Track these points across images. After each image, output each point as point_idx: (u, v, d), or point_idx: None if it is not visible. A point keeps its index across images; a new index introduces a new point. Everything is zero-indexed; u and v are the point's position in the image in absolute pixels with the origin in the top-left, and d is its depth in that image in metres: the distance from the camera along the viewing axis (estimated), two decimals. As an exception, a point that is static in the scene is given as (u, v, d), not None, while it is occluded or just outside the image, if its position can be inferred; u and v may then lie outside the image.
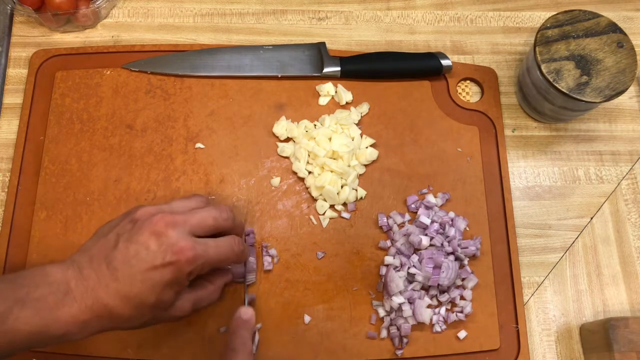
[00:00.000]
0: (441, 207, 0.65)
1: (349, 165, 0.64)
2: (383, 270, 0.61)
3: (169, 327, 0.59)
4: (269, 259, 0.61)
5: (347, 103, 0.69)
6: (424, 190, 0.65)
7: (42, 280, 0.45)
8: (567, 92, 0.62)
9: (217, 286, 0.54)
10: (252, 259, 0.60)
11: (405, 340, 0.59)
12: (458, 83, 0.72)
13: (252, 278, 0.60)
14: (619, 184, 0.69)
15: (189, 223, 0.49)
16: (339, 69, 0.69)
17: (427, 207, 0.64)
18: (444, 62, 0.69)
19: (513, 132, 0.71)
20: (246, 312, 0.53)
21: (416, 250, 0.61)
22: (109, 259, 0.46)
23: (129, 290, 0.46)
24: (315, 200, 0.64)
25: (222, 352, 0.51)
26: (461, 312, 0.60)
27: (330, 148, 0.63)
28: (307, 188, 0.64)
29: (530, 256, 0.65)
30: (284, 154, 0.66)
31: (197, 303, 0.52)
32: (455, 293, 0.60)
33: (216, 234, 0.51)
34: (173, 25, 0.73)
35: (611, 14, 0.68)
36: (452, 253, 0.61)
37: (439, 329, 0.60)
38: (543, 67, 0.63)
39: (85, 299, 0.45)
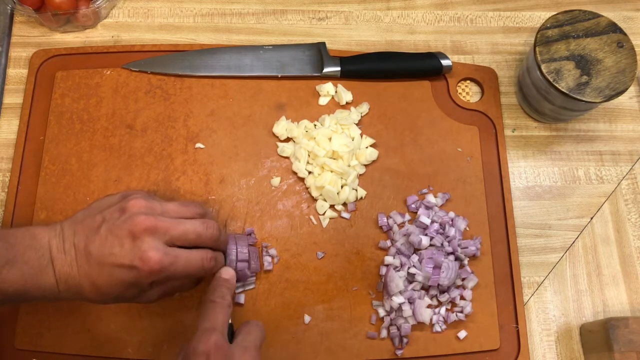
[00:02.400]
0: (441, 207, 0.65)
1: (349, 165, 0.64)
2: (383, 270, 0.61)
3: (169, 327, 0.59)
4: (269, 259, 0.61)
5: (347, 103, 0.69)
6: (424, 190, 0.65)
7: (30, 244, 0.47)
8: (567, 92, 0.62)
9: (190, 279, 0.54)
10: (242, 264, 0.58)
11: (405, 340, 0.59)
12: (458, 83, 0.72)
13: (252, 280, 0.60)
14: (619, 184, 0.69)
15: (169, 233, 0.49)
16: (339, 69, 0.69)
17: (427, 207, 0.64)
18: (444, 62, 0.69)
19: (513, 132, 0.71)
20: (227, 271, 0.54)
21: (416, 250, 0.61)
22: (89, 241, 0.48)
23: (96, 278, 0.47)
24: (315, 200, 0.64)
25: (200, 303, 0.52)
26: (461, 312, 0.60)
27: (330, 148, 0.63)
28: (307, 188, 0.64)
29: (530, 256, 0.65)
30: (284, 154, 0.66)
31: (166, 293, 0.52)
32: (455, 293, 0.60)
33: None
34: (173, 25, 0.73)
35: (611, 14, 0.68)
36: (452, 253, 0.61)
37: (439, 329, 0.60)
38: (543, 67, 0.63)
39: (62, 273, 0.47)
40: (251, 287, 0.60)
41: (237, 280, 0.59)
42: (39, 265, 0.47)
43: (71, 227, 0.49)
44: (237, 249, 0.57)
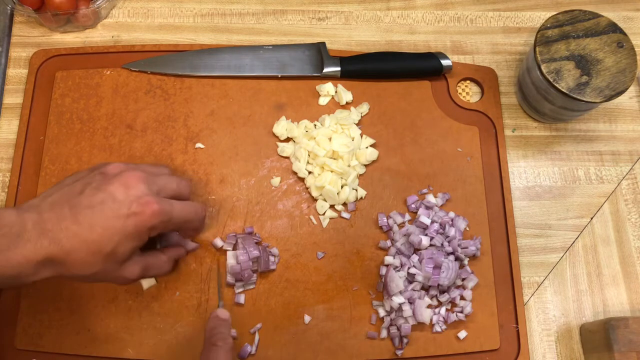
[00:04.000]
0: (441, 207, 0.65)
1: (349, 165, 0.64)
2: (383, 270, 0.61)
3: (169, 327, 0.59)
4: (272, 258, 0.61)
5: (347, 103, 0.69)
6: (424, 190, 0.65)
7: None
8: (567, 92, 0.62)
9: (169, 257, 0.56)
10: (245, 260, 0.59)
11: (405, 340, 0.59)
12: (458, 83, 0.72)
13: (252, 280, 0.60)
14: (619, 184, 0.69)
15: (157, 183, 0.51)
16: (339, 69, 0.69)
17: (427, 207, 0.64)
18: (444, 62, 0.69)
19: (513, 132, 0.71)
20: (223, 312, 0.56)
21: (416, 250, 0.61)
22: (73, 203, 0.47)
23: (88, 234, 0.46)
24: (315, 200, 0.64)
25: (203, 349, 0.52)
26: (461, 312, 0.60)
27: (330, 148, 0.63)
28: (307, 188, 0.64)
29: (530, 256, 0.65)
30: (284, 154, 0.66)
31: (146, 270, 0.53)
32: (455, 293, 0.60)
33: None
34: (173, 25, 0.73)
35: (611, 14, 0.68)
36: (452, 253, 0.61)
37: (439, 329, 0.60)
38: (543, 67, 0.63)
39: (41, 240, 0.45)
40: (251, 287, 0.60)
41: (240, 281, 0.59)
42: (6, 242, 0.44)
43: (45, 201, 0.48)
44: (246, 250, 0.58)
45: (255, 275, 0.60)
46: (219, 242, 0.61)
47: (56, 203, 0.47)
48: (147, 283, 0.59)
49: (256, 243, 0.60)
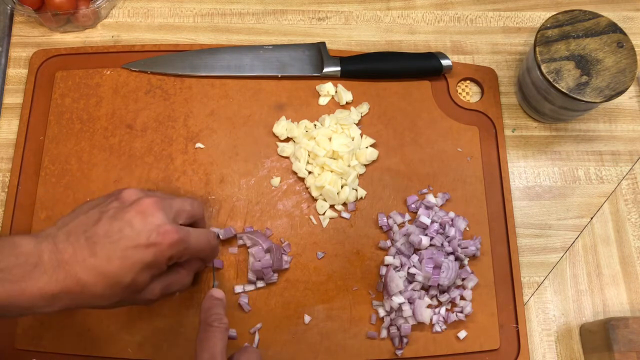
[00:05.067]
0: (441, 207, 0.65)
1: (349, 165, 0.64)
2: (383, 270, 0.61)
3: (169, 327, 0.59)
4: (285, 257, 0.61)
5: (347, 103, 0.69)
6: (424, 190, 0.65)
7: (10, 252, 0.44)
8: (567, 92, 0.62)
9: (189, 271, 0.55)
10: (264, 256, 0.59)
11: (405, 340, 0.59)
12: (458, 83, 0.72)
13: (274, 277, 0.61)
14: (619, 184, 0.69)
15: (173, 208, 0.50)
16: (339, 69, 0.69)
17: (427, 207, 0.64)
18: (444, 62, 0.69)
19: (513, 132, 0.71)
20: (218, 292, 0.54)
21: (416, 250, 0.61)
22: (89, 234, 0.46)
23: (106, 266, 0.45)
24: (315, 200, 0.64)
25: (199, 329, 0.50)
26: (461, 312, 0.60)
27: (330, 148, 0.63)
28: (307, 188, 0.64)
29: (530, 256, 0.65)
30: (284, 154, 0.66)
31: (168, 287, 0.52)
32: (455, 293, 0.60)
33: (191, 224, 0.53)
34: (173, 25, 0.73)
35: (611, 14, 0.68)
36: (452, 253, 0.61)
37: (439, 329, 0.60)
38: (543, 67, 0.63)
39: (57, 272, 0.44)
40: (274, 280, 0.61)
41: (260, 279, 0.60)
42: (21, 272, 0.43)
43: (61, 230, 0.46)
44: (261, 244, 0.59)
45: (273, 274, 0.60)
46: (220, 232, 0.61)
47: (72, 233, 0.46)
48: None
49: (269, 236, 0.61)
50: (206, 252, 0.53)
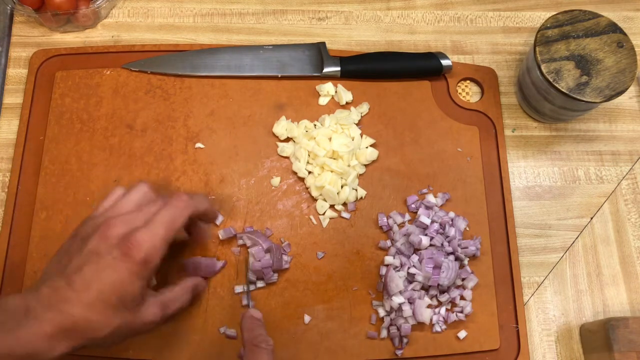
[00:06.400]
0: (441, 207, 0.65)
1: (349, 165, 0.64)
2: (383, 270, 0.61)
3: (169, 327, 0.59)
4: (285, 257, 0.61)
5: (347, 103, 0.69)
6: (424, 190, 0.65)
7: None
8: (567, 92, 0.62)
9: (184, 288, 0.54)
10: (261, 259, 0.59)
11: (405, 340, 0.59)
12: (458, 83, 0.72)
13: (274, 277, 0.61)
14: (619, 184, 0.69)
15: (137, 217, 0.50)
16: (339, 69, 0.69)
17: (427, 207, 0.64)
18: (444, 62, 0.69)
19: (513, 132, 0.71)
20: (257, 312, 0.55)
21: (416, 250, 0.61)
22: (66, 273, 0.46)
23: (87, 296, 0.45)
24: (315, 200, 0.64)
25: (245, 350, 0.50)
26: (461, 312, 0.60)
27: (330, 148, 0.63)
28: (307, 188, 0.64)
29: (530, 256, 0.65)
30: (284, 154, 0.66)
31: (166, 306, 0.52)
32: (455, 293, 0.60)
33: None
34: (173, 25, 0.73)
35: (611, 14, 0.68)
36: (452, 253, 0.61)
37: (439, 329, 0.60)
38: (543, 67, 0.63)
39: (46, 313, 0.44)
40: (273, 280, 0.61)
41: (260, 279, 0.60)
42: (13, 322, 0.44)
43: (41, 280, 0.48)
44: (261, 244, 0.58)
45: (272, 273, 0.60)
46: (222, 233, 0.61)
47: (49, 278, 0.47)
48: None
49: (268, 237, 0.61)
50: (202, 212, 0.54)
